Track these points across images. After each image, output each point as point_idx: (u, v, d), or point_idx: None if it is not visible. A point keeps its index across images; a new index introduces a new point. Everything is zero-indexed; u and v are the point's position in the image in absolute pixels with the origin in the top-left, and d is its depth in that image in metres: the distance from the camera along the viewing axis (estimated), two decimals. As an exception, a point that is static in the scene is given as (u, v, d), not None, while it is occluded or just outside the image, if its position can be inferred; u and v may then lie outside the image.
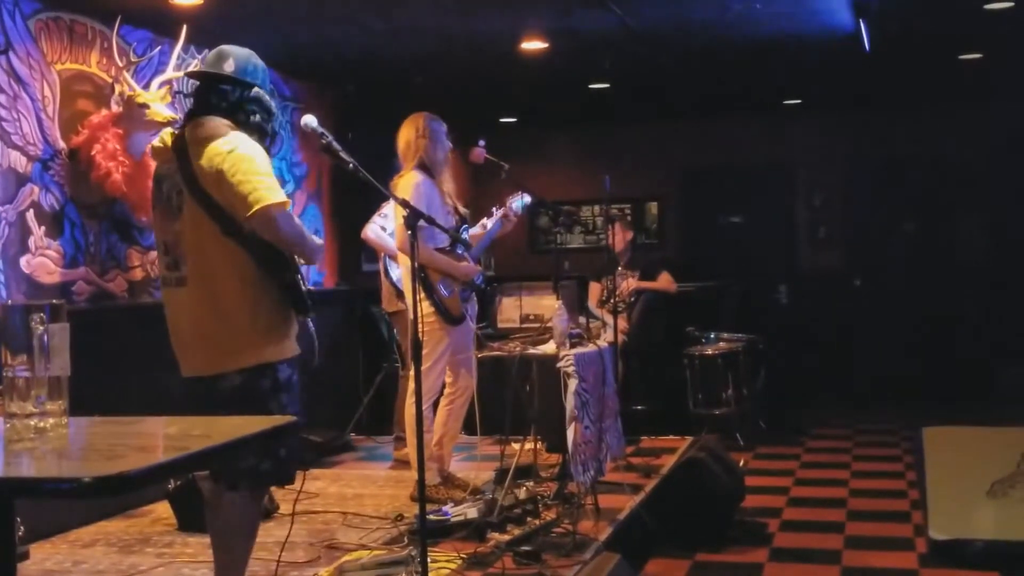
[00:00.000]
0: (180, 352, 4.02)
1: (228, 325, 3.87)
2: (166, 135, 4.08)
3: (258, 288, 3.90)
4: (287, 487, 4.17)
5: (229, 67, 4.01)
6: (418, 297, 4.41)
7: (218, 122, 3.92)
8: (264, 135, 4.04)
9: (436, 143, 6.00)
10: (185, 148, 3.92)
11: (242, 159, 3.81)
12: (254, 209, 3.77)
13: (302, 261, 4.12)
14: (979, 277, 10.68)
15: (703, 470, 5.90)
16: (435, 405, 6.13)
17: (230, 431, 2.18)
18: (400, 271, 6.81)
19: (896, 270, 11.12)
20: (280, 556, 4.32)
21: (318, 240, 4.18)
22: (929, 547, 5.49)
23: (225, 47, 4.10)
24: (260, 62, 4.12)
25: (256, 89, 4.03)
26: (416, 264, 4.33)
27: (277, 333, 3.94)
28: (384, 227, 6.87)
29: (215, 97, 3.99)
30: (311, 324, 4.14)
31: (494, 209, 6.45)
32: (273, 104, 4.12)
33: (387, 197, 4.95)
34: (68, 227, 6.13)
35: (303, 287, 4.03)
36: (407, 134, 6.03)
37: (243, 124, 3.96)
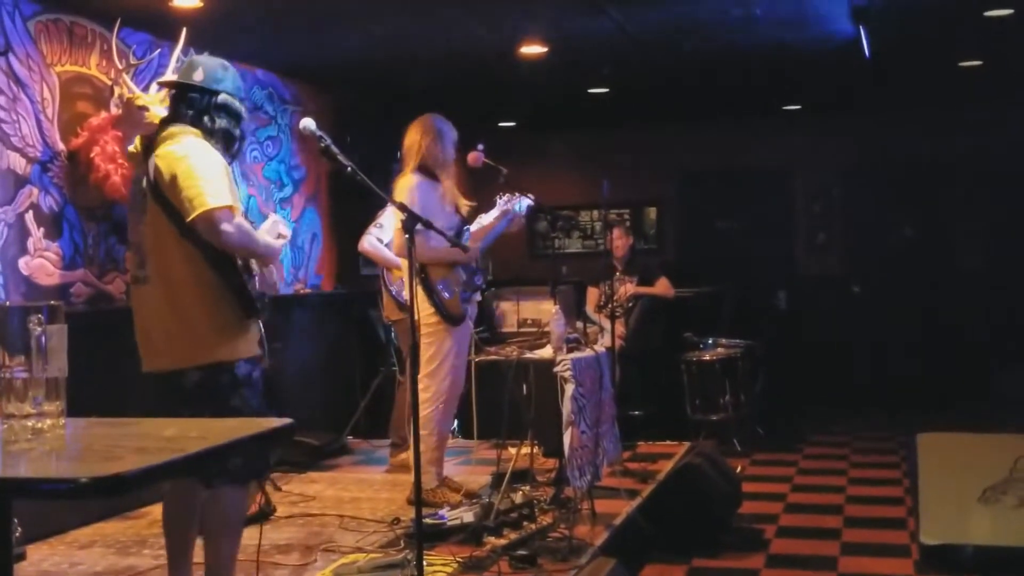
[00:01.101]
0: (142, 348, 4.16)
1: (186, 324, 4.01)
2: (139, 140, 4.26)
3: (214, 289, 4.03)
4: (277, 488, 4.19)
5: (198, 76, 4.22)
6: (416, 301, 4.41)
7: (181, 128, 4.12)
8: (231, 140, 4.24)
9: (439, 142, 5.98)
10: (150, 153, 4.11)
11: (194, 165, 3.97)
12: (195, 213, 3.92)
13: (258, 265, 4.20)
14: (978, 282, 10.70)
15: (700, 475, 5.90)
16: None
17: (226, 433, 2.19)
18: (398, 286, 6.81)
19: (895, 276, 11.13)
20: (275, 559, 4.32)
21: (274, 243, 4.27)
22: (920, 552, 5.51)
23: (196, 57, 4.35)
24: (231, 71, 4.32)
25: (223, 96, 4.20)
26: (414, 267, 4.34)
27: (232, 332, 4.06)
28: (380, 238, 6.83)
29: (184, 105, 4.20)
30: (261, 327, 4.21)
31: (497, 199, 6.45)
32: (242, 109, 4.29)
33: (383, 205, 4.96)
34: (67, 229, 6.13)
35: (252, 290, 4.11)
36: (412, 134, 6.02)
37: (208, 130, 4.15)
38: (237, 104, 4.24)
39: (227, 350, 4.04)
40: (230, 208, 3.96)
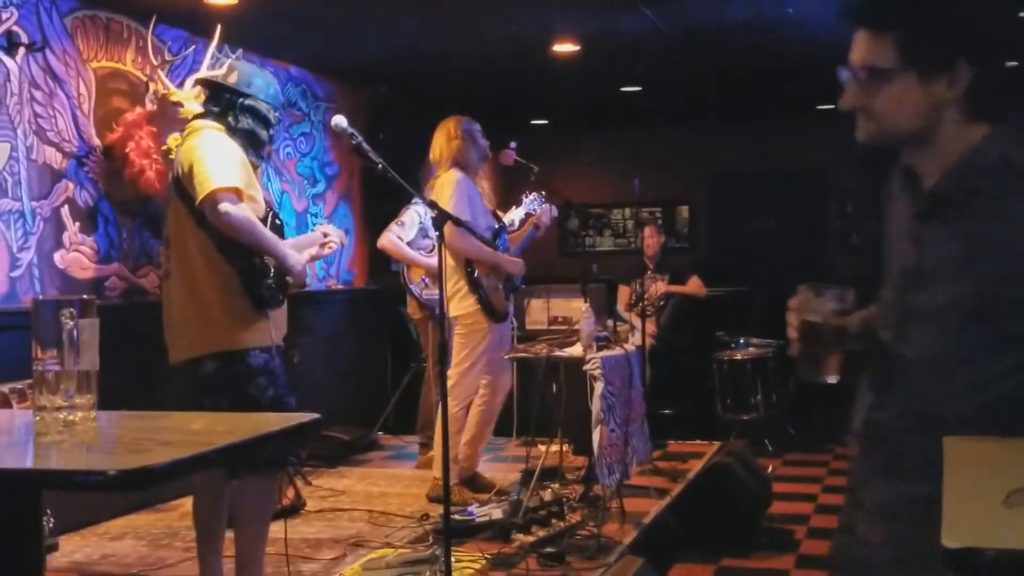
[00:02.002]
0: (167, 340, 4.25)
1: (201, 312, 4.09)
2: (172, 140, 4.39)
3: (226, 278, 4.10)
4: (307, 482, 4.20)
5: (232, 78, 4.35)
6: (445, 299, 4.43)
7: (204, 123, 4.24)
8: (258, 142, 4.34)
9: (469, 144, 5.99)
10: (178, 148, 4.27)
11: (206, 154, 4.08)
12: (202, 195, 4.00)
13: (273, 262, 4.21)
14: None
15: (730, 475, 5.88)
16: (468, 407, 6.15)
17: (253, 427, 2.21)
18: (419, 286, 6.83)
19: (928, 277, 11.04)
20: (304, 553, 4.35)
21: (287, 251, 4.26)
22: (941, 555, 5.46)
23: (238, 62, 4.56)
24: (270, 80, 4.47)
25: (251, 100, 4.30)
26: (444, 265, 4.36)
27: (245, 321, 4.12)
28: (401, 236, 6.83)
29: (213, 103, 4.33)
30: (273, 317, 4.22)
31: (524, 197, 6.47)
32: (272, 116, 4.38)
33: (410, 199, 4.98)
34: (102, 223, 6.19)
35: (261, 283, 4.14)
36: (439, 140, 6.03)
37: (231, 128, 4.25)
38: (265, 109, 4.33)
39: (240, 339, 4.10)
40: (235, 190, 4.04)
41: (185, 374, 4.17)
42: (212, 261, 4.09)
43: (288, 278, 4.25)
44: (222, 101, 4.30)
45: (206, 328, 4.09)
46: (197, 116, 4.38)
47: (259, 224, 4.14)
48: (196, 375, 4.12)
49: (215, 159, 4.06)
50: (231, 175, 4.05)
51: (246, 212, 4.07)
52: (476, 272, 5.84)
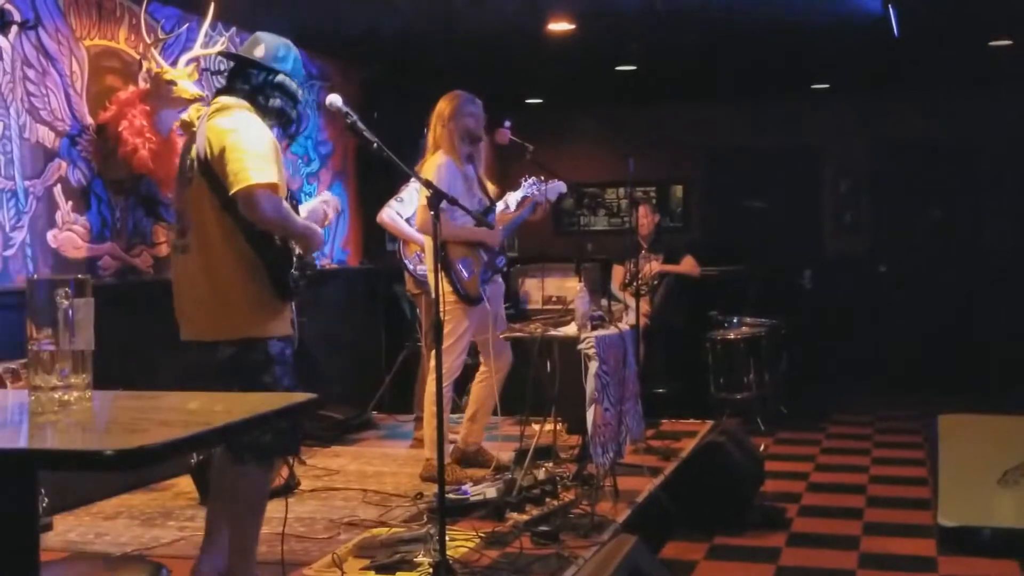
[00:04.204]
0: (180, 316, 4.19)
1: (221, 297, 4.03)
2: (194, 110, 4.26)
3: (251, 265, 4.03)
4: (302, 462, 4.20)
5: (259, 52, 4.20)
6: (439, 277, 4.44)
7: (234, 102, 4.10)
8: (287, 120, 4.23)
9: (461, 131, 5.96)
10: (201, 123, 4.11)
11: (242, 139, 3.95)
12: (238, 187, 3.90)
13: (299, 249, 4.17)
14: (1006, 263, 10.61)
15: (723, 454, 5.91)
16: (455, 385, 6.19)
17: (250, 407, 2.21)
18: (413, 260, 6.86)
19: (921, 257, 11.07)
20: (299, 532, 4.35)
21: (314, 226, 4.25)
22: (937, 534, 5.50)
23: (260, 33, 4.30)
24: (294, 51, 4.30)
25: (281, 76, 4.18)
26: (438, 244, 4.36)
27: (268, 310, 4.06)
28: (400, 212, 6.85)
29: (240, 80, 4.19)
30: (293, 310, 4.21)
31: (523, 180, 6.46)
32: (299, 91, 4.27)
33: (408, 177, 4.97)
34: (95, 202, 6.17)
35: (288, 272, 4.10)
36: (438, 113, 6.02)
37: (261, 107, 4.13)
38: (294, 86, 4.22)
39: (260, 327, 4.04)
40: (273, 186, 3.93)
41: (200, 353, 4.11)
42: (238, 248, 4.00)
43: (306, 260, 4.20)
44: (251, 78, 4.16)
45: (225, 313, 4.02)
46: (222, 91, 4.24)
47: (292, 214, 4.07)
48: (210, 357, 4.06)
49: (253, 148, 3.92)
50: (269, 169, 3.92)
51: (281, 206, 3.98)
52: (449, 255, 5.83)
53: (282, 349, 4.10)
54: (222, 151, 3.94)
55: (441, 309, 4.45)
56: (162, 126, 6.27)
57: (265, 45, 4.22)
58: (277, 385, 4.03)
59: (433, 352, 4.49)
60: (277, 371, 4.06)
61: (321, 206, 4.54)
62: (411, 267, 6.93)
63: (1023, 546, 5.19)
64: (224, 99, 4.12)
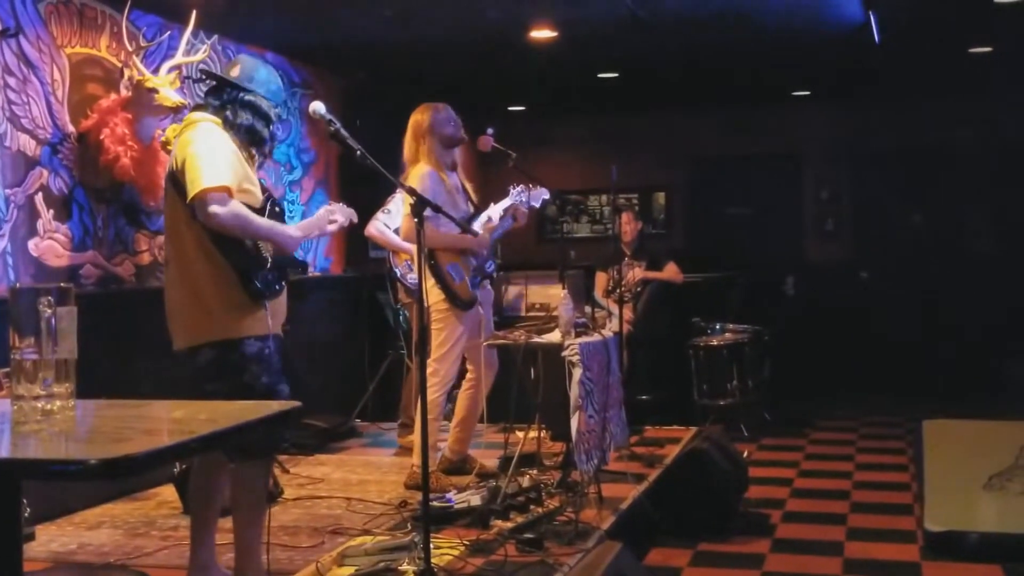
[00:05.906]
0: (169, 327, 4.29)
1: (197, 303, 4.15)
2: (171, 130, 4.40)
3: (220, 269, 4.14)
4: (285, 470, 4.22)
5: (235, 72, 4.36)
6: (426, 286, 4.45)
7: (200, 116, 4.24)
8: (259, 139, 4.32)
9: (436, 142, 5.99)
10: (176, 139, 4.29)
11: (199, 149, 4.10)
12: (191, 195, 4.04)
13: (270, 249, 4.26)
14: (986, 269, 10.67)
15: (707, 460, 5.91)
16: (448, 394, 6.18)
17: (234, 416, 2.21)
18: (403, 269, 6.86)
19: (903, 262, 11.11)
20: (283, 541, 4.36)
21: (280, 228, 4.30)
22: (924, 539, 5.52)
23: (243, 56, 4.55)
24: (273, 76, 4.45)
25: (252, 96, 4.30)
26: (424, 252, 4.38)
27: (239, 311, 4.16)
28: (388, 224, 6.85)
29: (213, 97, 4.32)
30: (267, 305, 4.24)
31: (511, 188, 6.46)
32: (273, 113, 4.37)
33: (393, 189, 4.98)
34: (76, 211, 6.15)
35: (259, 274, 4.19)
36: (408, 138, 6.05)
37: (229, 123, 4.25)
38: (266, 106, 4.32)
39: (235, 328, 4.15)
40: (224, 188, 4.04)
41: (188, 362, 4.22)
42: (207, 253, 4.13)
43: (285, 260, 4.32)
44: (222, 95, 4.29)
45: (202, 317, 4.14)
46: (196, 108, 4.38)
47: (250, 216, 4.14)
48: (194, 363, 4.18)
49: (206, 156, 4.07)
50: (221, 174, 4.06)
51: (235, 209, 4.07)
52: (439, 262, 5.86)
53: (259, 348, 4.19)
54: (183, 163, 4.09)
55: (426, 315, 4.46)
56: (144, 134, 6.27)
57: (242, 66, 4.38)
58: (257, 384, 4.13)
59: (426, 360, 4.50)
60: (255, 370, 4.16)
61: (322, 215, 4.60)
62: (399, 275, 6.92)
63: (1008, 550, 5.22)
64: (195, 115, 4.30)
